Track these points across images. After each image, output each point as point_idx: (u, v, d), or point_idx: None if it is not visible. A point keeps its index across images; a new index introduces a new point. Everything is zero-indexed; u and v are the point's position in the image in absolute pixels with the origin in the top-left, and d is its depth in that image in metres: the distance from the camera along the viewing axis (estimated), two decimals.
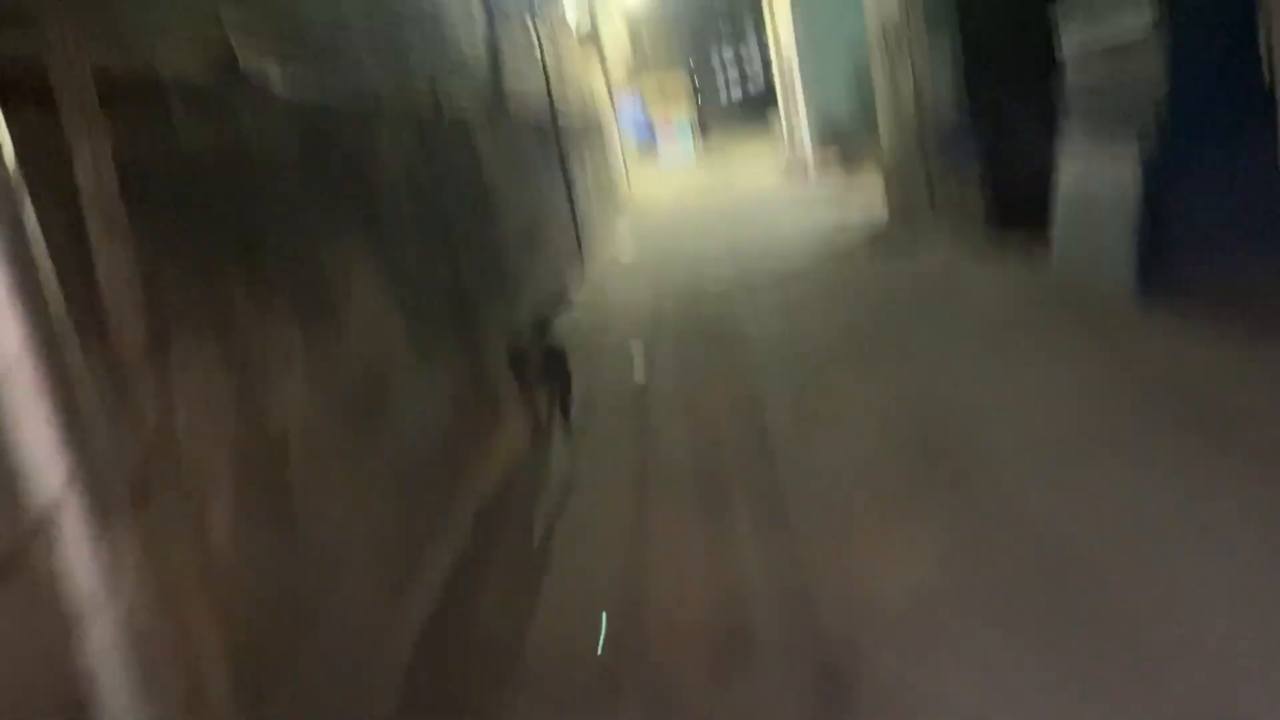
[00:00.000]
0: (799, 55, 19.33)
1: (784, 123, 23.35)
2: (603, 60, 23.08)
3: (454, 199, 5.75)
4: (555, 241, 9.93)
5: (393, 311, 3.82)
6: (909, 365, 5.69)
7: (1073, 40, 6.70)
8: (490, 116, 7.77)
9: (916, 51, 9.43)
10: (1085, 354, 5.14)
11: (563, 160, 11.82)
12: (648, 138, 34.14)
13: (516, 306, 6.59)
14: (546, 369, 5.21)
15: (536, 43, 11.62)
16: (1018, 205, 7.70)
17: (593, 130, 16.75)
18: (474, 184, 6.63)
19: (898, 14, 9.81)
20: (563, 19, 18.12)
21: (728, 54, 40.95)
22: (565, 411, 5.29)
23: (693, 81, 40.33)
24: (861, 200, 13.81)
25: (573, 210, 11.86)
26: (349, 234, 3.55)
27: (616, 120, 26.08)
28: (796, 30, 19.19)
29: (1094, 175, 6.50)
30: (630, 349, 7.50)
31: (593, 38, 22.58)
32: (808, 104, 19.45)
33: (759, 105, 40.41)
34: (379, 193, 4.06)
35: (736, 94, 46.73)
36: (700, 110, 35.99)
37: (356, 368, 3.30)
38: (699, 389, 6.19)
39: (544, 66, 11.78)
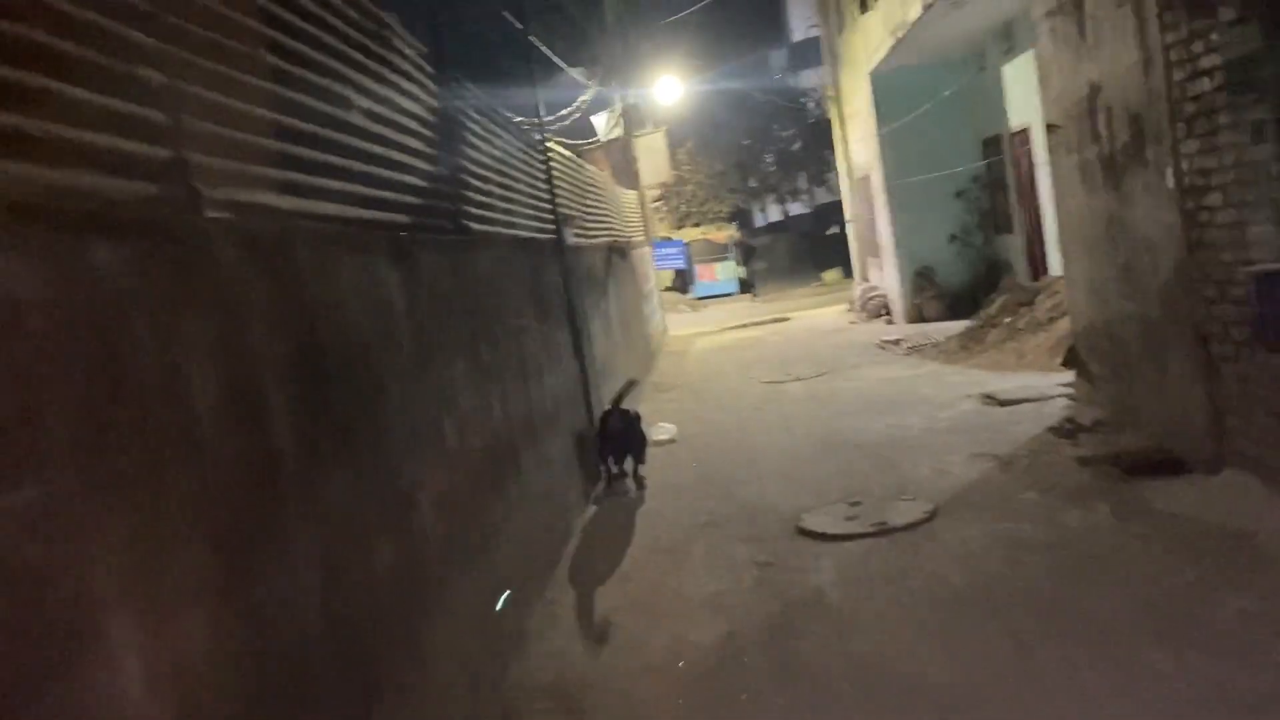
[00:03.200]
0: (886, 189, 15.35)
1: (857, 265, 19.26)
2: (637, 180, 19.27)
3: None
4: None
5: None
6: None
7: None
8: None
9: (1186, 153, 5.20)
10: None
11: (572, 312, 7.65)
12: (686, 271, 30.28)
13: None
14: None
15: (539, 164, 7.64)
16: None
17: (619, 267, 12.64)
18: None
19: (1136, 98, 5.65)
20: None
21: (784, 185, 37.45)
22: None
23: (740, 218, 36.76)
24: (990, 365, 9.52)
25: (584, 377, 7.64)
26: None
27: (652, 254, 22.19)
28: (884, 162, 15.28)
29: None
30: None
31: (624, 150, 18.85)
32: (897, 247, 15.37)
33: (814, 243, 36.69)
34: None
35: (790, 227, 43.19)
36: (747, 246, 32.05)
37: None
38: None
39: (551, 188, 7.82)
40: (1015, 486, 5.85)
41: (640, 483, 7.49)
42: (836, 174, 37.53)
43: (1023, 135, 12.92)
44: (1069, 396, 7.77)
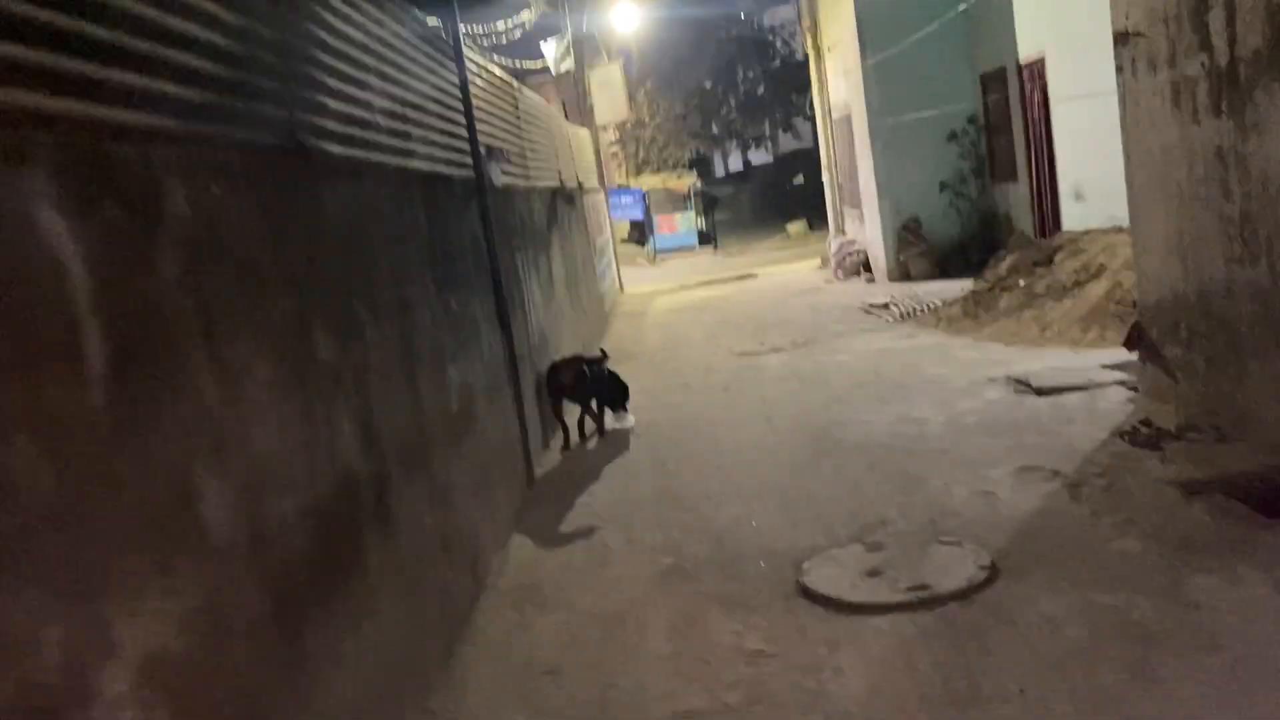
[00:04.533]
0: (870, 129, 13.59)
1: (833, 217, 17.57)
2: (591, 117, 17.34)
3: None
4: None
5: None
6: None
7: None
8: None
9: None
10: None
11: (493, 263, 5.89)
12: (644, 222, 28.36)
13: None
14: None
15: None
16: None
17: (566, 216, 10.81)
18: None
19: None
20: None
21: (748, 131, 35.43)
22: None
23: (701, 165, 34.81)
24: (1006, 338, 7.97)
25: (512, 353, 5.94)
26: None
27: (608, 202, 20.31)
28: (868, 99, 13.50)
29: None
30: None
31: (576, 84, 16.90)
32: (881, 196, 13.66)
33: (779, 194, 34.91)
34: None
35: (753, 176, 41.35)
36: (710, 196, 30.16)
37: None
38: None
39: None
40: (1102, 527, 4.21)
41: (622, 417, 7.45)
42: (804, 119, 35.69)
43: (1035, 67, 11.21)
44: (1128, 386, 6.15)
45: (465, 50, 6.00)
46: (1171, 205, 5.24)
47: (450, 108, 5.46)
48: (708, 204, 29.84)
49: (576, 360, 7.32)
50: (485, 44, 11.59)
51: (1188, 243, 5.14)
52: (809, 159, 36.41)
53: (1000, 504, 4.66)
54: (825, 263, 16.59)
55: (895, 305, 11.19)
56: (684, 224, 29.21)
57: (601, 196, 16.84)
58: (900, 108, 13.38)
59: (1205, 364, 5.12)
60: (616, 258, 18.03)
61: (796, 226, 29.32)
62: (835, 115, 16.42)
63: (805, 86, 33.34)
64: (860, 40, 13.45)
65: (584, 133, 16.49)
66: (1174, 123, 5.06)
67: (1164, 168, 5.25)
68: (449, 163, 5.20)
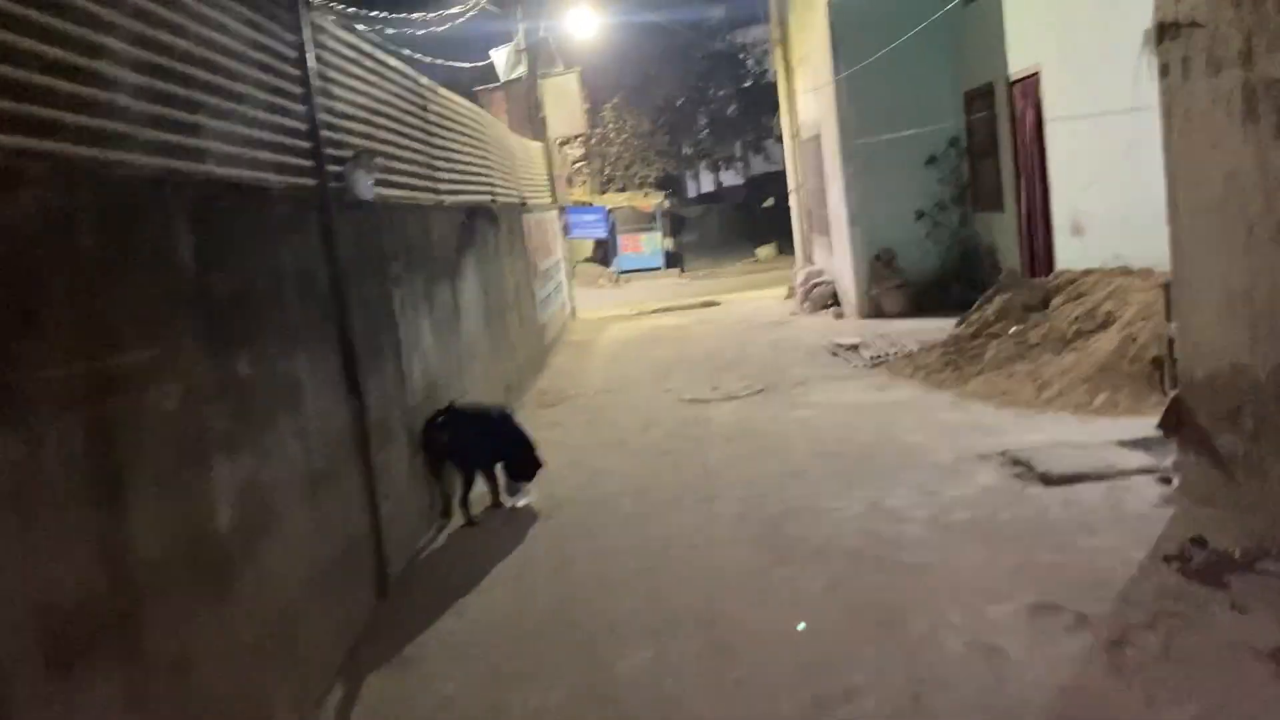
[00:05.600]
0: (841, 150, 12.32)
1: (800, 244, 16.29)
2: (544, 129, 15.96)
3: None
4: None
5: None
6: None
7: None
8: None
9: None
10: None
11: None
12: (608, 241, 26.96)
13: None
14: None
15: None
16: None
17: (490, 238, 9.42)
18: None
19: None
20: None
21: (718, 151, 34.14)
22: None
23: (669, 185, 33.53)
24: (996, 397, 6.71)
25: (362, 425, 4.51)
26: None
27: (562, 219, 18.93)
28: (840, 117, 12.24)
29: None
30: None
31: (528, 94, 15.55)
32: (853, 224, 12.38)
33: (749, 216, 33.72)
34: None
35: (723, 198, 40.16)
36: (677, 217, 28.87)
37: None
38: None
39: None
40: None
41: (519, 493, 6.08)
42: (775, 140, 34.57)
43: (1028, 83, 9.98)
44: (1160, 477, 4.83)
45: (315, 16, 4.59)
46: (1236, 250, 3.93)
47: (274, 88, 4.06)
48: (675, 225, 28.61)
49: (469, 413, 5.90)
50: (410, 39, 10.20)
51: (1260, 302, 3.83)
52: (780, 182, 35.31)
53: (1009, 670, 3.29)
54: (792, 294, 15.29)
55: (866, 348, 9.87)
56: (649, 245, 27.92)
57: (554, 215, 15.46)
58: (874, 127, 12.12)
59: None
60: (571, 280, 16.63)
61: (766, 250, 28.13)
62: (804, 135, 15.17)
63: (776, 106, 32.42)
64: (833, 51, 12.20)
65: (534, 146, 15.13)
66: (1246, 141, 3.75)
67: (1227, 200, 3.94)
68: (259, 164, 3.78)
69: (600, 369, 11.14)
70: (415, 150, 6.72)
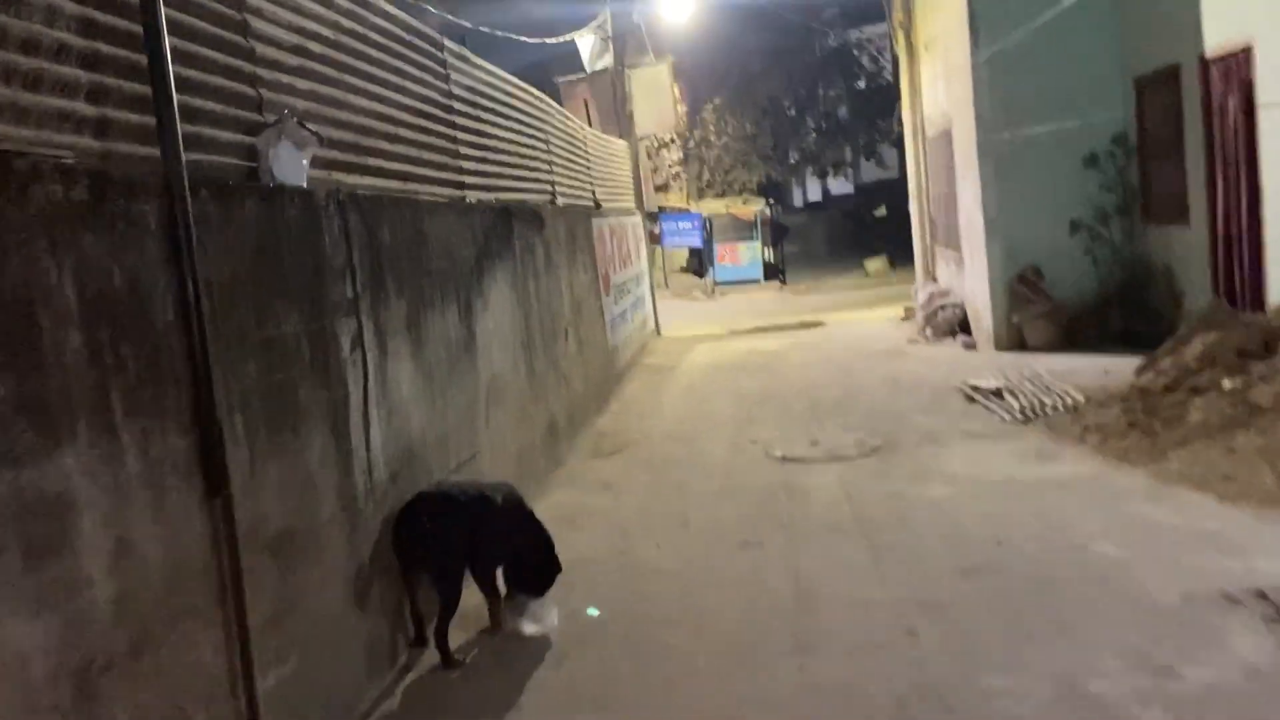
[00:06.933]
0: (979, 147, 10.21)
1: (921, 259, 14.15)
2: (630, 126, 14.21)
3: None
4: None
5: None
6: None
7: None
8: None
9: None
10: None
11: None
12: (704, 250, 25.02)
13: None
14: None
15: None
16: None
17: (539, 246, 7.66)
18: None
19: None
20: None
21: (826, 156, 31.82)
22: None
23: (772, 192, 31.45)
24: (1214, 485, 4.61)
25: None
26: None
27: (652, 229, 17.18)
28: (977, 107, 10.14)
29: None
30: None
31: (613, 86, 13.82)
32: (990, 235, 10.25)
33: (858, 226, 31.41)
34: None
35: (830, 206, 37.85)
36: (779, 225, 26.81)
37: None
38: None
39: None
40: None
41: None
42: (891, 144, 32.14)
43: (1232, 62, 7.75)
44: None
45: None
46: None
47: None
48: (776, 234, 26.51)
49: (457, 499, 4.09)
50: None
51: None
52: (894, 190, 32.83)
53: None
54: (910, 315, 13.15)
55: (1013, 394, 7.77)
56: (748, 255, 25.90)
57: (637, 220, 13.68)
58: (1019, 119, 9.99)
59: None
60: (653, 292, 14.81)
61: (876, 264, 25.82)
62: (930, 132, 13.03)
63: (891, 110, 29.92)
64: (971, 28, 10.09)
65: (617, 143, 13.40)
66: None
67: None
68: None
69: (677, 404, 9.28)
70: (422, 129, 5.00)
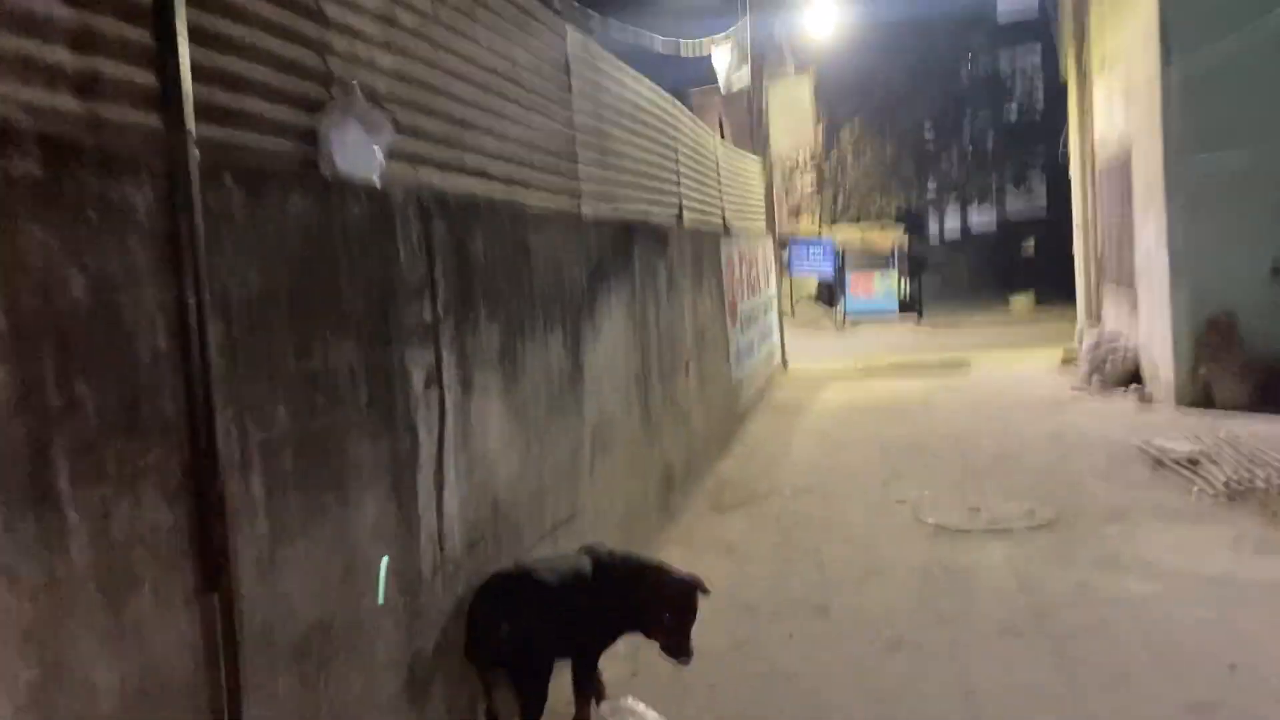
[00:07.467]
0: (1166, 175, 8.99)
1: (1084, 300, 12.83)
2: (766, 143, 13.37)
3: None
4: None
5: None
6: None
7: None
8: None
9: None
10: None
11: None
12: (836, 279, 23.87)
13: None
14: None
15: None
16: None
17: (657, 266, 6.88)
18: None
19: None
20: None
21: (970, 186, 30.10)
22: None
23: (911, 222, 30.10)
24: None
25: None
26: None
27: (781, 255, 16.29)
28: (1166, 127, 8.93)
29: None
30: None
31: (749, 101, 13.02)
32: (1175, 276, 9.00)
33: (1003, 261, 29.73)
34: None
35: (972, 239, 36.11)
36: (918, 256, 25.49)
37: None
38: None
39: None
40: None
41: None
42: (1036, 176, 30.33)
43: None
44: None
45: None
46: None
47: None
48: (915, 265, 25.16)
49: (548, 582, 3.28)
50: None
51: None
52: (1042, 226, 31.02)
53: None
54: (1070, 360, 11.86)
55: (1213, 461, 6.57)
56: (883, 286, 24.56)
57: (768, 244, 12.80)
58: (1216, 143, 8.72)
59: None
60: (781, 322, 13.87)
61: (1022, 301, 24.20)
62: (1104, 156, 11.75)
63: (1043, 140, 28.18)
64: (1162, 37, 8.89)
65: (750, 160, 12.57)
66: None
67: None
68: None
69: (809, 450, 8.34)
70: (534, 127, 4.30)
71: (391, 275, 2.82)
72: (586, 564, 3.42)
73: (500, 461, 3.51)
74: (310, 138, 2.70)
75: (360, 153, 2.76)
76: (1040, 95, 29.07)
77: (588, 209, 4.97)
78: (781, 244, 18.55)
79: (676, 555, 5.39)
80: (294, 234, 2.41)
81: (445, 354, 3.10)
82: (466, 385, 3.25)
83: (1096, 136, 12.03)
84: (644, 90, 6.63)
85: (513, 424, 3.65)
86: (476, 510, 3.29)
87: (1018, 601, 4.49)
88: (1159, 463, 6.84)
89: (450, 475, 3.10)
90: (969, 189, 29.87)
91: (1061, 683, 3.65)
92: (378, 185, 2.80)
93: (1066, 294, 19.28)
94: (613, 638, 3.43)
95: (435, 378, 3.03)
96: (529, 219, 3.97)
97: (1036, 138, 27.74)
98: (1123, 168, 10.58)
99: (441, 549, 3.02)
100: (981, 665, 3.84)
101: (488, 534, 3.36)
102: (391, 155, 2.97)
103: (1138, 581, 4.64)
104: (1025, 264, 27.72)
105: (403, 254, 2.89)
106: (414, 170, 3.18)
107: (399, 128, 2.94)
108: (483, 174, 3.74)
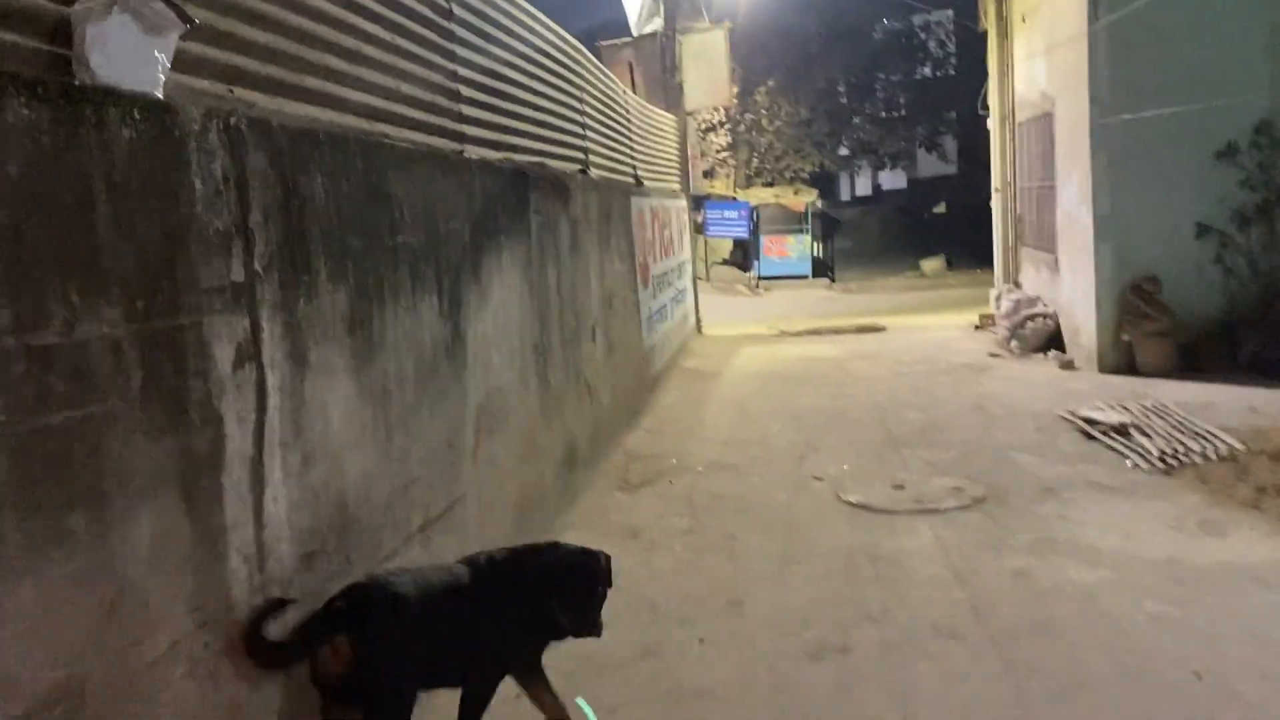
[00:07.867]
0: (1091, 131, 8.65)
1: (1002, 261, 12.57)
2: (679, 98, 12.77)
3: None
4: None
5: None
6: None
7: None
8: None
9: None
10: None
11: None
12: (749, 242, 23.49)
13: None
14: None
15: None
16: None
17: (558, 222, 6.23)
18: None
19: None
20: None
21: (883, 147, 29.86)
22: None
23: (823, 183, 29.82)
24: None
25: None
26: None
27: (695, 217, 15.79)
28: (1093, 83, 8.58)
29: None
30: None
31: (662, 53, 12.40)
32: (1099, 237, 8.70)
33: (914, 223, 29.81)
34: None
35: (883, 201, 36.18)
36: (830, 219, 25.24)
37: None
38: None
39: None
40: None
41: None
42: (953, 136, 30.27)
43: None
44: None
45: None
46: None
47: None
48: (827, 228, 24.91)
49: (414, 596, 2.66)
50: None
51: None
52: (953, 186, 31.10)
53: None
54: (987, 325, 11.62)
55: (1143, 432, 6.27)
56: (796, 249, 24.27)
57: (681, 204, 12.22)
58: (1142, 101, 8.42)
59: None
60: (695, 286, 13.36)
61: (933, 264, 24.20)
62: (1022, 115, 11.44)
63: (955, 102, 28.07)
64: None
65: (664, 117, 11.95)
66: None
67: None
68: None
69: (722, 421, 7.83)
70: (402, 51, 3.62)
71: (179, 220, 2.15)
72: (463, 571, 2.84)
73: (350, 453, 2.87)
74: (66, 35, 2.02)
75: (133, 56, 2.08)
76: (953, 55, 28.97)
77: (473, 152, 4.31)
78: (696, 205, 18.05)
79: (574, 541, 4.83)
80: (16, 156, 1.73)
81: (265, 323, 2.44)
82: (298, 362, 2.60)
83: (1017, 92, 11.71)
84: (544, 31, 5.96)
85: (368, 407, 3.01)
86: (315, 515, 2.65)
87: (952, 595, 4.04)
88: (1085, 432, 6.51)
89: (275, 475, 2.45)
90: (883, 150, 29.65)
91: (1009, 696, 3.19)
92: (159, 100, 2.12)
93: (977, 256, 19.22)
94: (517, 657, 2.87)
95: (251, 354, 2.37)
96: (389, 155, 3.29)
97: (951, 100, 27.63)
98: (1043, 126, 10.27)
99: (261, 568, 2.39)
100: (917, 674, 3.37)
101: (331, 543, 2.72)
102: (192, 67, 2.29)
103: (1080, 568, 4.23)
104: (938, 225, 27.76)
105: (199, 192, 2.22)
106: (226, 88, 2.50)
107: (195, 28, 2.25)
108: (331, 100, 3.06)
